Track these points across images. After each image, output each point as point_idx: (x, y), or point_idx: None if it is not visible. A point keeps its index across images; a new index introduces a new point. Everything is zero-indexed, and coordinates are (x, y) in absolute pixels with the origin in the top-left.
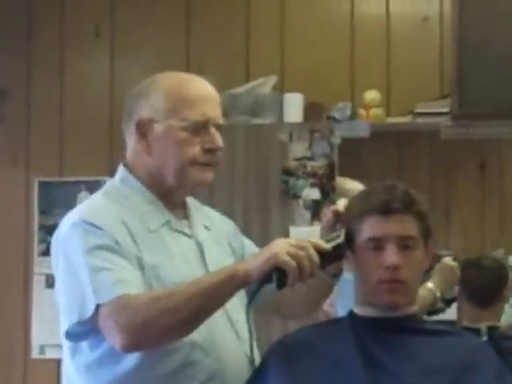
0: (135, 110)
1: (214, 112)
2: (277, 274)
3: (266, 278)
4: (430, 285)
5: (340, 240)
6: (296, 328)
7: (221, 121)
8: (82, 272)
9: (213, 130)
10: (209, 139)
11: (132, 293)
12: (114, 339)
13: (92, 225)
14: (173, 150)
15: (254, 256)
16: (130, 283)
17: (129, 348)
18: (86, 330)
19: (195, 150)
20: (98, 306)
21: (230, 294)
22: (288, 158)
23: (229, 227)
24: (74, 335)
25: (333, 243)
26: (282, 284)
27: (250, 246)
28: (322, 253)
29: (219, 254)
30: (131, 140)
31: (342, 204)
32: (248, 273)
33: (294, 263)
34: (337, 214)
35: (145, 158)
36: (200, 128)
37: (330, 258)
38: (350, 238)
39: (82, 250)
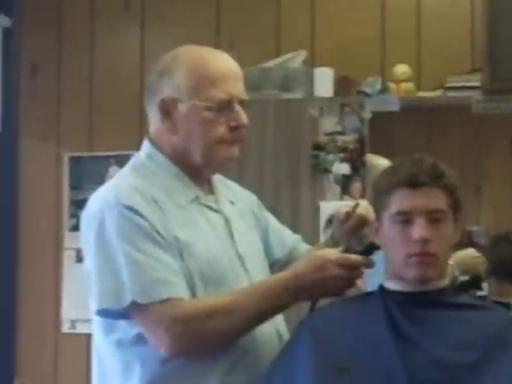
0: (158, 87)
1: (237, 88)
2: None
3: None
4: (450, 262)
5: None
6: (326, 303)
7: (244, 96)
8: (119, 260)
9: (237, 107)
10: (234, 117)
11: (177, 297)
12: (161, 344)
13: (129, 208)
14: (198, 129)
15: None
16: (173, 285)
17: (177, 355)
18: (122, 311)
19: (221, 129)
20: (134, 301)
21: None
22: (318, 132)
23: (253, 200)
24: (111, 313)
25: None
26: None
27: (273, 221)
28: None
29: (244, 229)
30: (154, 117)
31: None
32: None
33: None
34: (348, 214)
35: (170, 136)
36: (224, 106)
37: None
38: (373, 247)
39: (120, 236)
